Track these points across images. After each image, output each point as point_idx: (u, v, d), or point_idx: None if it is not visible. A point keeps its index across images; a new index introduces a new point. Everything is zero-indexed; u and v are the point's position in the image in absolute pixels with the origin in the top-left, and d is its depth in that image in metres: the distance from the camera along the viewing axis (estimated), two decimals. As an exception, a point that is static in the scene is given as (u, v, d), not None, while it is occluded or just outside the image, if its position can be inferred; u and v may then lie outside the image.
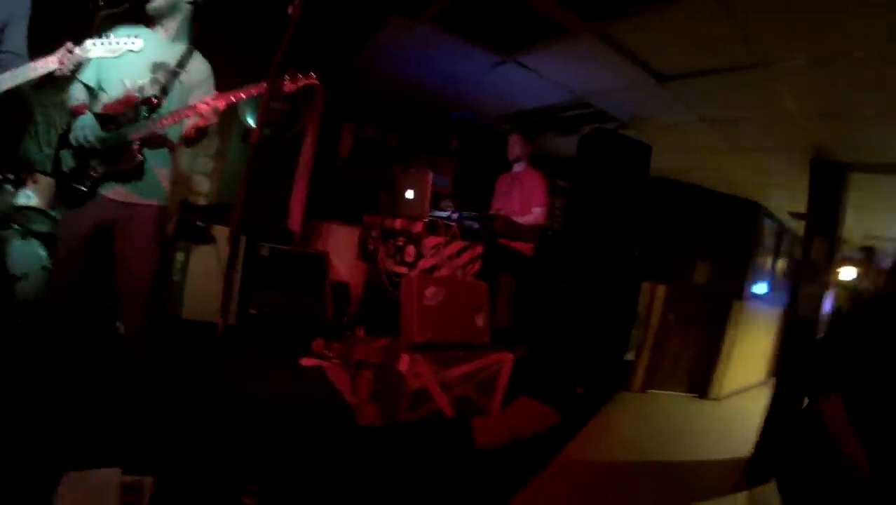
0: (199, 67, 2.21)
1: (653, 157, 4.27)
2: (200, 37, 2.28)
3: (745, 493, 2.94)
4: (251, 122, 4.68)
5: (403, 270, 3.45)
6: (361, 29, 3.76)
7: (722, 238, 5.95)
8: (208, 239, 4.18)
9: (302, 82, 2.12)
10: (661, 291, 5.38)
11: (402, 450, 2.63)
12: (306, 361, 3.71)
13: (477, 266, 3.60)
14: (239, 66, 2.65)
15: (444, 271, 3.46)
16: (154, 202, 2.14)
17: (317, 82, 2.13)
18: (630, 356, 5.29)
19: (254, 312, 3.97)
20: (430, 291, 3.03)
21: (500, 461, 2.70)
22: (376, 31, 3.66)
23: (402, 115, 5.49)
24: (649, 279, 5.34)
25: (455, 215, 3.83)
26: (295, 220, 4.87)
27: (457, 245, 3.51)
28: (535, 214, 4.21)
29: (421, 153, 5.48)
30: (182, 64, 2.14)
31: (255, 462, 2.21)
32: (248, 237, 4.26)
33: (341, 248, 5.06)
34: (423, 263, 3.36)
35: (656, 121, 4.11)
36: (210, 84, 2.24)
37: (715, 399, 5.67)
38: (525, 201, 4.30)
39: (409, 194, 3.64)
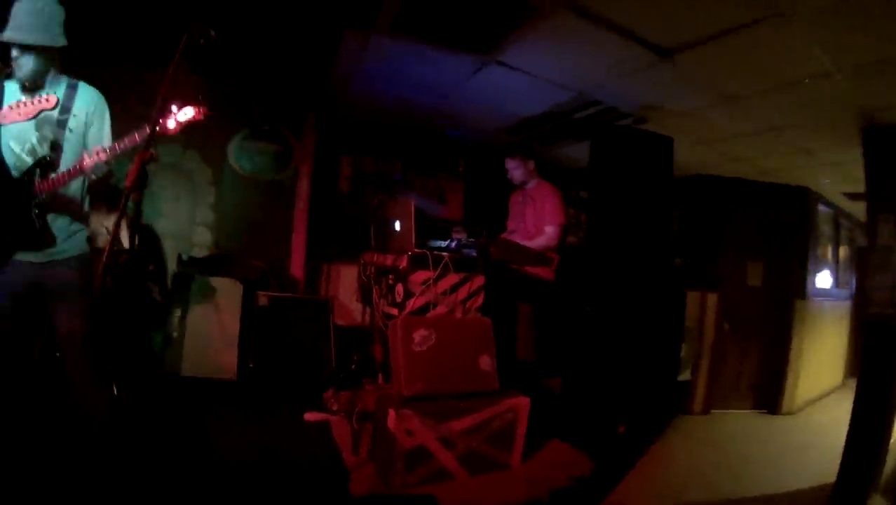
0: (84, 102, 2.08)
1: (679, 152, 3.77)
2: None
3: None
4: (238, 166, 4.54)
5: (395, 311, 3.10)
6: (320, 49, 3.53)
7: (772, 233, 5.32)
8: (207, 292, 4.00)
9: (191, 116, 1.92)
10: (712, 299, 4.89)
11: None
12: (310, 416, 3.41)
13: (479, 300, 3.21)
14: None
15: (440, 309, 3.09)
16: (73, 256, 2.06)
17: (202, 115, 1.93)
18: (685, 375, 4.80)
19: (251, 365, 3.72)
20: (419, 335, 2.67)
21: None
22: (336, 49, 3.39)
23: (401, 140, 5.23)
24: (697, 288, 4.84)
25: (452, 244, 3.47)
26: (297, 265, 4.64)
27: (451, 278, 3.14)
28: (546, 235, 3.80)
29: (427, 179, 5.17)
30: (66, 108, 2.03)
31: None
32: (246, 287, 4.05)
33: (349, 290, 4.78)
34: (413, 303, 3.00)
35: (671, 109, 3.63)
36: (102, 113, 2.13)
37: (788, 413, 5.07)
38: (538, 220, 3.91)
39: (397, 226, 3.32)
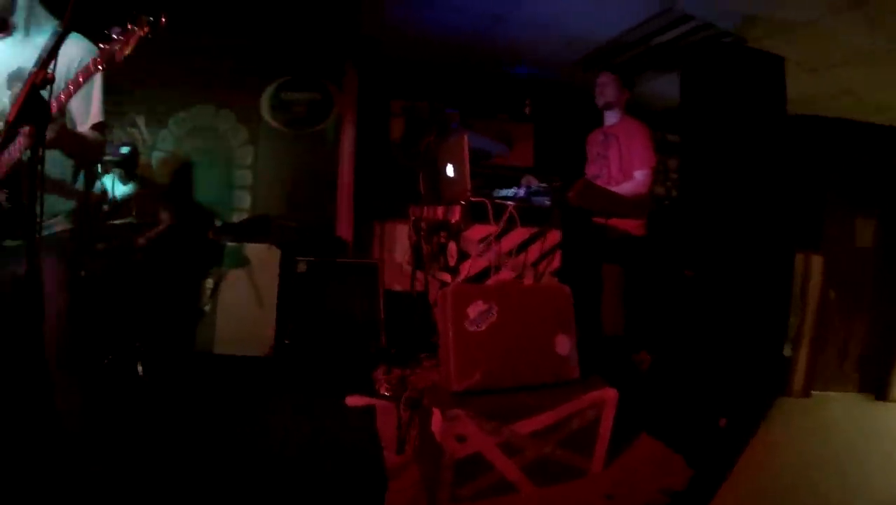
0: (69, 57, 1.65)
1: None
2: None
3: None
4: (272, 119, 4.06)
5: (448, 277, 2.50)
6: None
7: (888, 185, 4.27)
8: (241, 261, 3.59)
9: (138, 34, 1.52)
10: (816, 262, 4.03)
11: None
12: (353, 400, 2.95)
13: (554, 262, 2.55)
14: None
15: (504, 274, 2.45)
16: (54, 233, 1.76)
17: (149, 28, 1.52)
18: (787, 351, 4.04)
19: (287, 342, 3.28)
20: (475, 310, 2.05)
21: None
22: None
23: (459, 81, 4.55)
24: (799, 249, 3.98)
25: (521, 191, 2.79)
26: (344, 225, 4.13)
27: (518, 234, 2.47)
28: (635, 181, 3.06)
29: (489, 121, 4.47)
30: (45, 61, 1.58)
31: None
32: (284, 252, 3.60)
33: (405, 251, 4.23)
34: (470, 267, 2.38)
35: (782, 18, 2.78)
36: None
37: (898, 400, 4.15)
38: (624, 163, 3.16)
39: (450, 171, 2.66)
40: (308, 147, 4.23)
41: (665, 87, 3.99)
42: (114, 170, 3.60)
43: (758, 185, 2.93)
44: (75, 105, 1.75)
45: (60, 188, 1.79)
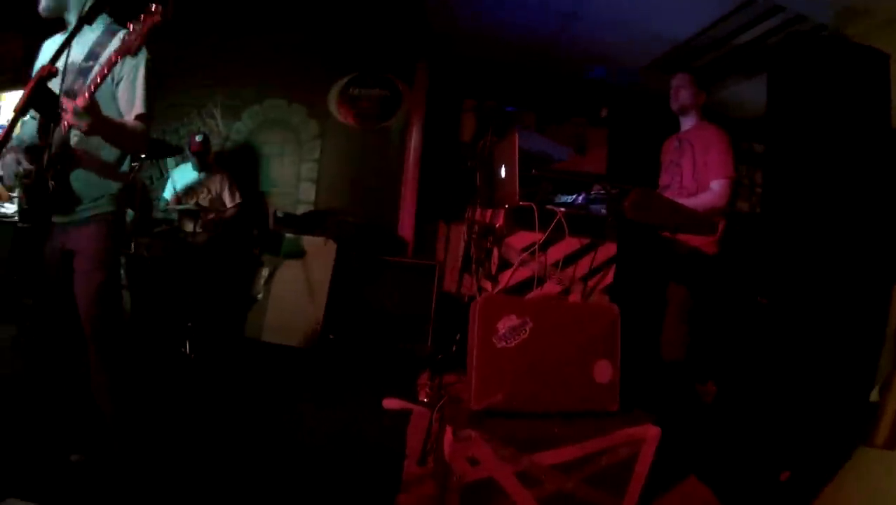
0: (109, 47, 1.78)
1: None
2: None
3: None
4: (339, 114, 4.10)
5: (489, 285, 2.36)
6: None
7: None
8: (298, 252, 3.65)
9: (150, 22, 1.54)
10: None
11: None
12: (389, 403, 2.91)
13: (608, 277, 2.33)
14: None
15: (550, 288, 2.27)
16: (94, 215, 1.85)
17: (160, 16, 1.54)
18: (875, 395, 3.51)
19: (332, 337, 3.28)
20: (505, 324, 1.89)
21: None
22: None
23: (534, 82, 4.37)
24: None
25: (579, 198, 2.59)
26: (405, 225, 4.09)
27: (568, 244, 2.27)
28: (712, 192, 2.76)
29: (562, 125, 4.26)
30: (94, 55, 1.77)
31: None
32: (341, 247, 3.61)
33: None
34: (510, 276, 2.22)
35: (886, 8, 2.35)
36: (136, 68, 1.83)
37: None
38: (699, 172, 2.86)
39: (502, 172, 2.51)
40: (375, 144, 4.24)
41: (752, 92, 3.62)
42: (193, 157, 3.79)
43: (853, 204, 2.47)
44: (122, 96, 1.83)
45: (105, 172, 1.86)
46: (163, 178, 4.22)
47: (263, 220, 4.04)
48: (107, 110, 1.71)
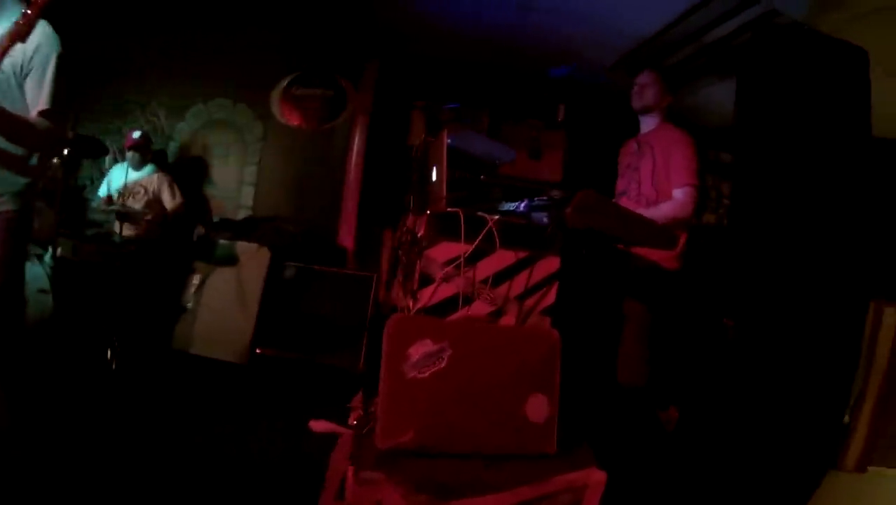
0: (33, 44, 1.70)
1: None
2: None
3: None
4: (280, 114, 3.86)
5: (410, 303, 2.09)
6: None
7: None
8: (230, 260, 3.37)
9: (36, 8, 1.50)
10: (890, 314, 3.28)
11: None
12: (317, 425, 2.63)
13: (549, 297, 2.08)
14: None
15: (479, 308, 2.02)
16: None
17: None
18: (847, 417, 3.46)
19: (259, 351, 3.04)
20: (418, 351, 1.63)
21: None
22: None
23: (490, 84, 4.19)
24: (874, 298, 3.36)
25: (521, 205, 2.35)
26: (346, 232, 3.84)
27: (500, 258, 2.02)
28: (675, 201, 2.56)
29: (517, 126, 4.06)
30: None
31: None
32: (275, 255, 3.36)
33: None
34: (431, 294, 1.96)
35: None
36: (47, 58, 1.76)
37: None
38: (659, 179, 2.66)
39: (433, 174, 2.26)
40: (318, 147, 4.04)
41: (725, 95, 3.45)
42: (129, 154, 3.59)
43: (829, 216, 2.33)
44: (29, 90, 1.76)
45: (9, 166, 1.78)
46: (102, 178, 3.96)
47: (197, 224, 3.79)
48: (11, 103, 1.67)
